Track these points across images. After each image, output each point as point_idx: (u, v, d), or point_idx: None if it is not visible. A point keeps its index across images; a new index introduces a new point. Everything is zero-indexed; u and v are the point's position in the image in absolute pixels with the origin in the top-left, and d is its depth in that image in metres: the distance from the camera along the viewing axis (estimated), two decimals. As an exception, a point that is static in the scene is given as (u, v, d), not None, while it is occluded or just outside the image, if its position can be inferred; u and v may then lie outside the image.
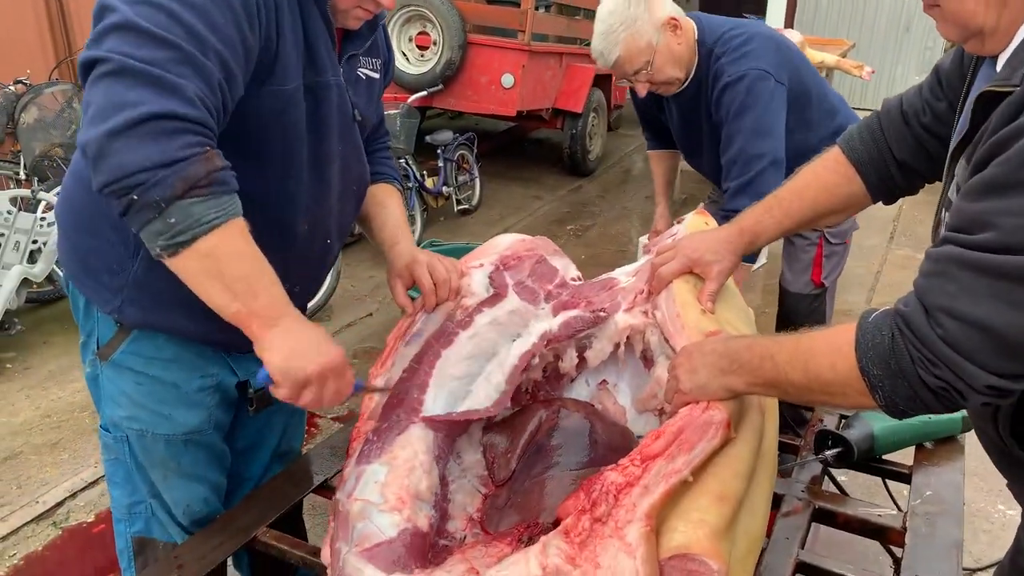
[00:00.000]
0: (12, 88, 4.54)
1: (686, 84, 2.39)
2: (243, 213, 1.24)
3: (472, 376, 1.45)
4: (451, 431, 1.39)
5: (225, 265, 1.11)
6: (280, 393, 1.18)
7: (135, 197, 1.03)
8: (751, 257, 2.40)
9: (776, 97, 2.28)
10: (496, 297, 1.56)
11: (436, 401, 1.39)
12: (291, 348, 1.15)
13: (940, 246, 0.98)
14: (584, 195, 7.09)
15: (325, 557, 1.36)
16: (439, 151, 5.83)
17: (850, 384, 1.03)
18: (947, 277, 0.95)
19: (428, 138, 5.78)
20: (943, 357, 0.94)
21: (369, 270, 5.02)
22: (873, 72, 6.44)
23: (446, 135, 5.83)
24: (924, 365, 0.96)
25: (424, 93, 6.11)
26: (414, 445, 1.34)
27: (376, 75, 1.58)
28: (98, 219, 1.34)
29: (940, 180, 1.28)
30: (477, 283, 1.60)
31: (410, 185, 5.33)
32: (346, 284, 4.73)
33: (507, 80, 6.35)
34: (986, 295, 0.91)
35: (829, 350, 1.06)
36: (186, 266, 1.10)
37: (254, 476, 1.76)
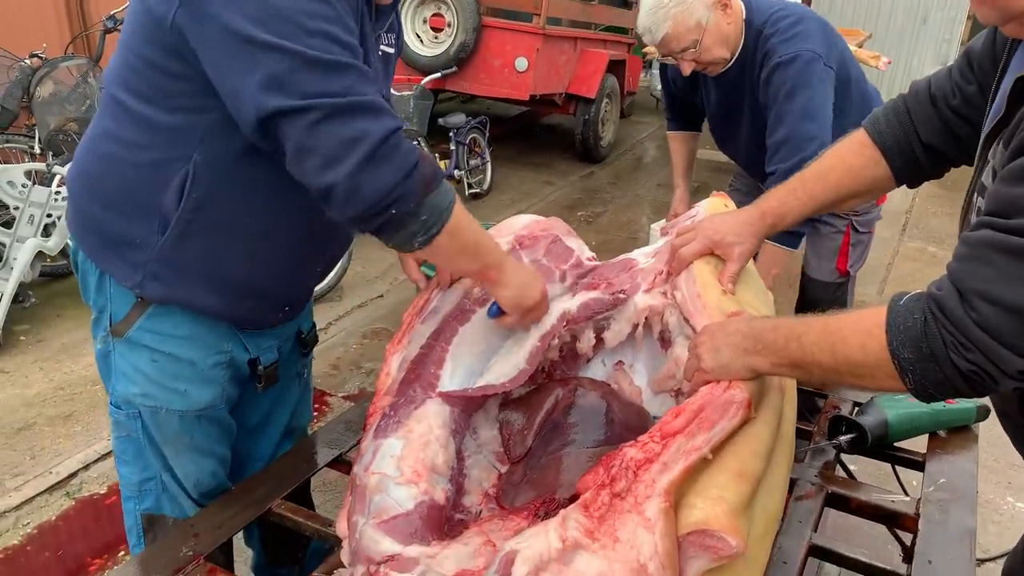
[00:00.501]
0: (28, 62, 4.54)
1: (730, 64, 2.36)
2: (287, 196, 1.33)
3: (489, 352, 1.46)
4: (467, 407, 1.39)
5: (464, 236, 1.29)
6: (508, 320, 1.43)
7: (393, 212, 1.16)
8: (794, 242, 2.40)
9: (826, 80, 2.26)
10: None
11: (453, 377, 1.40)
12: (517, 284, 1.39)
13: (976, 230, 0.97)
14: (595, 181, 7.07)
15: (341, 530, 1.36)
16: (451, 134, 5.82)
17: (879, 367, 1.03)
18: (983, 261, 0.94)
19: (441, 121, 5.77)
20: (976, 341, 0.94)
21: (380, 251, 5.02)
22: (890, 63, 6.38)
23: (459, 118, 5.81)
24: (957, 349, 0.96)
25: (437, 75, 6.10)
26: (430, 420, 1.34)
27: (392, 51, 1.58)
28: (121, 194, 1.34)
29: (967, 164, 1.27)
30: None
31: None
32: (357, 266, 4.74)
33: (521, 64, 6.33)
34: (1023, 279, 0.90)
35: (859, 332, 1.05)
36: (439, 249, 1.25)
37: (264, 454, 1.78)
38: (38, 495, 2.69)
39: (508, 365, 1.43)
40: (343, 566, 1.28)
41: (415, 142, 5.36)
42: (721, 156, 6.53)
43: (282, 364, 1.66)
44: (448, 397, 1.36)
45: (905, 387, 1.03)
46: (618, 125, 7.99)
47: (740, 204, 2.80)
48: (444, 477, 1.28)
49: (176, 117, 1.27)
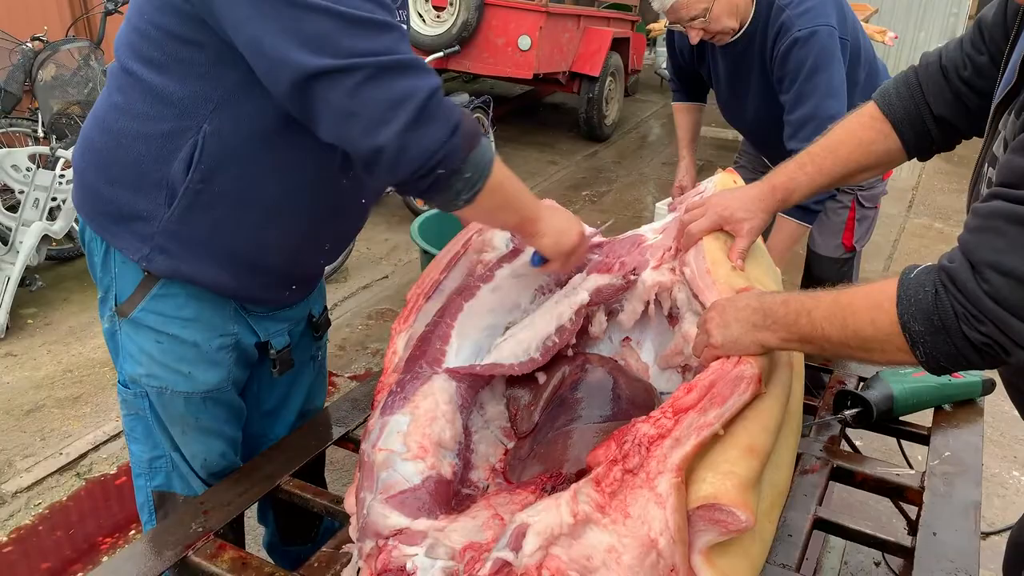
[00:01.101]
0: (29, 45, 4.53)
1: (738, 35, 2.34)
2: (296, 168, 1.33)
3: (495, 328, 1.46)
4: (474, 383, 1.40)
5: (506, 191, 1.29)
6: (552, 267, 1.45)
7: (441, 172, 1.15)
8: (809, 217, 2.38)
9: (842, 55, 2.24)
10: (515, 252, 1.57)
11: (459, 353, 1.40)
12: (556, 230, 1.39)
13: (988, 201, 0.96)
14: (600, 161, 7.04)
15: (349, 506, 1.38)
16: (467, 105, 5.80)
17: (890, 340, 1.03)
18: (995, 232, 0.94)
19: (444, 100, 5.74)
20: (988, 313, 0.93)
21: (384, 233, 5.03)
22: (896, 38, 6.33)
23: (462, 98, 5.78)
24: (968, 321, 0.95)
25: (440, 55, 6.05)
26: (436, 395, 1.35)
27: (404, 27, 1.56)
28: (128, 167, 1.33)
29: (978, 136, 1.26)
30: (498, 239, 1.60)
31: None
32: (362, 247, 4.74)
33: (524, 42, 6.29)
34: None
35: (869, 306, 1.05)
36: (481, 205, 1.24)
37: (279, 436, 1.77)
38: (49, 476, 2.71)
39: (519, 348, 1.42)
40: (352, 541, 1.29)
41: None
42: (726, 134, 6.51)
43: (295, 348, 1.66)
44: (454, 373, 1.37)
45: (916, 360, 1.03)
46: (622, 104, 7.94)
47: (746, 181, 2.79)
48: (451, 452, 1.29)
49: (188, 86, 1.25)
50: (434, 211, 2.61)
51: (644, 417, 1.13)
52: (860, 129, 1.43)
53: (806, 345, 1.17)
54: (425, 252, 2.22)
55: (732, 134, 6.39)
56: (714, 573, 1.05)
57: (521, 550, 1.01)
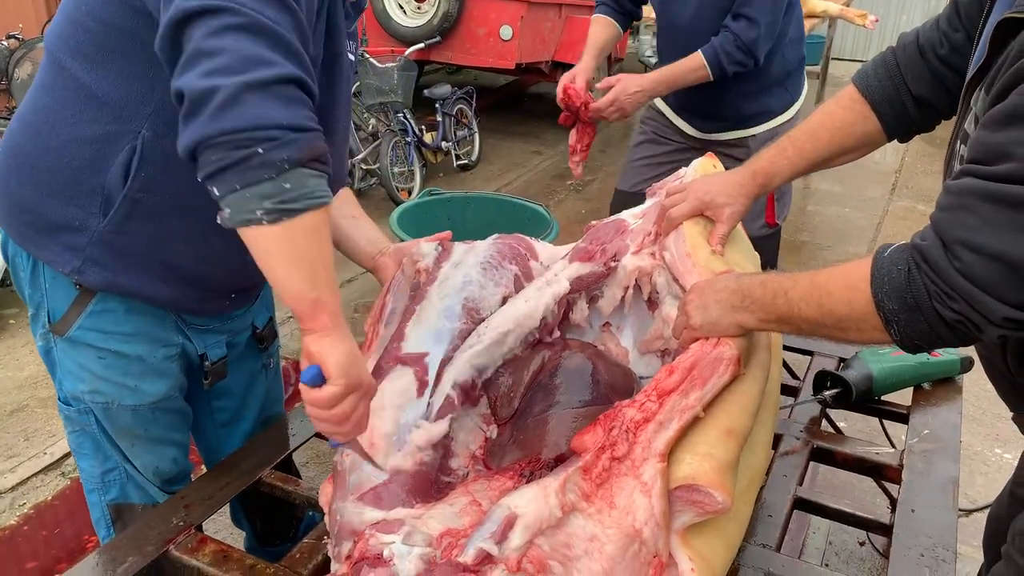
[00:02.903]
0: (5, 43, 4.49)
1: None
2: None
3: (450, 309, 1.45)
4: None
5: (318, 248, 1.03)
6: (327, 392, 1.04)
7: (260, 151, 0.95)
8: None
9: None
10: (446, 252, 1.58)
11: (418, 341, 1.40)
12: (352, 352, 1.06)
13: (959, 178, 0.96)
14: (584, 150, 7.03)
15: (324, 498, 1.37)
16: (437, 105, 5.77)
17: (865, 319, 1.03)
18: (966, 209, 0.94)
19: (426, 92, 5.72)
20: (960, 290, 0.94)
21: (369, 225, 5.01)
22: (877, 21, 6.34)
23: (444, 89, 5.76)
24: (941, 299, 0.96)
25: (421, 46, 6.04)
26: (384, 388, 1.34)
27: (354, 58, 1.48)
28: (58, 173, 1.26)
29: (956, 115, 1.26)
30: (426, 246, 1.60)
31: (408, 140, 5.30)
32: (346, 239, 4.72)
33: (505, 32, 6.27)
34: (1007, 227, 0.90)
35: (845, 285, 1.06)
36: (280, 238, 0.99)
37: (235, 447, 1.70)
38: (33, 476, 2.70)
39: (501, 341, 1.42)
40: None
41: (400, 114, 5.22)
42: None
43: (240, 361, 1.62)
44: (408, 359, 1.37)
45: (891, 339, 1.04)
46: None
47: (652, 154, 2.77)
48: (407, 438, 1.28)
49: (124, 87, 1.19)
50: (413, 202, 2.60)
51: (629, 401, 1.13)
52: (839, 111, 1.43)
53: (784, 325, 1.17)
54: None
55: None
56: (690, 553, 1.05)
57: (506, 542, 1.01)
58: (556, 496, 1.04)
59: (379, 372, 1.38)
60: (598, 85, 2.57)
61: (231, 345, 1.59)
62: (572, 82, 2.47)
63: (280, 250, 1.01)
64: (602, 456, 1.08)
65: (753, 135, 2.63)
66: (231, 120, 0.94)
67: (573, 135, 2.51)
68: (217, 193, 0.98)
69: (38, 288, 1.37)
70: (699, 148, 2.72)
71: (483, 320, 1.47)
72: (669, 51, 2.59)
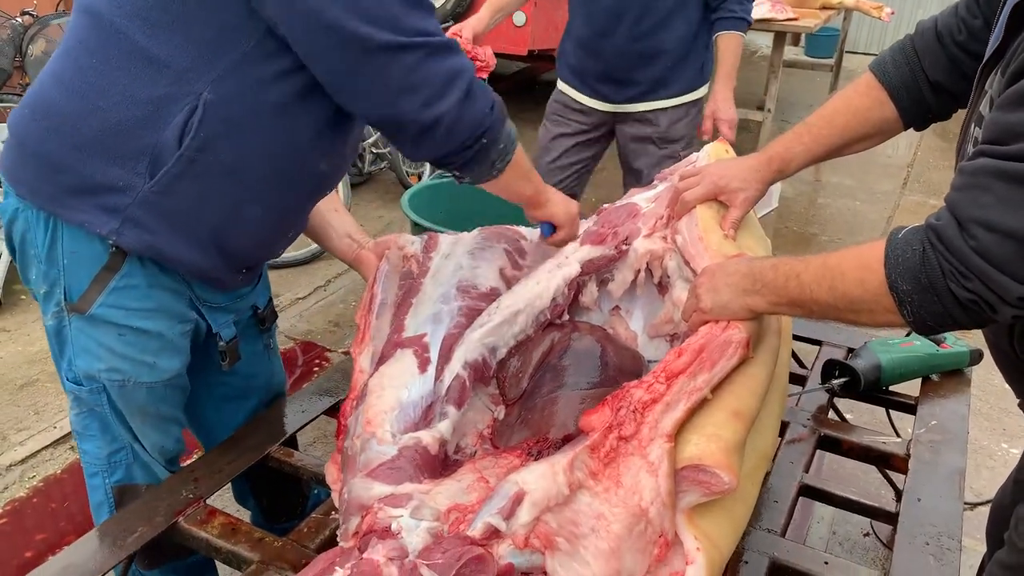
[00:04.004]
0: (19, 20, 4.50)
1: None
2: (294, 147, 1.34)
3: (447, 295, 1.48)
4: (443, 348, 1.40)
5: (524, 161, 1.42)
6: (562, 235, 1.57)
7: (484, 141, 1.27)
8: (743, 25, 2.54)
9: None
10: (433, 242, 1.61)
11: (417, 326, 1.43)
12: (560, 198, 1.55)
13: (974, 159, 0.96)
14: (595, 138, 7.00)
15: (331, 477, 1.38)
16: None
17: (878, 301, 1.03)
18: (981, 189, 0.93)
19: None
20: (975, 269, 0.94)
21: (379, 210, 5.02)
22: (893, 13, 6.29)
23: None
24: (955, 278, 0.96)
25: (434, 29, 6.01)
26: (384, 370, 1.36)
27: None
28: (104, 133, 1.25)
29: None
30: (410, 236, 1.63)
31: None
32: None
33: (519, 18, 6.23)
34: (1021, 205, 0.90)
35: (858, 267, 1.06)
36: (509, 175, 1.37)
37: (239, 424, 1.70)
38: (43, 449, 2.72)
39: (513, 322, 1.43)
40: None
41: None
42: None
43: (244, 341, 1.63)
44: (407, 342, 1.39)
45: (904, 321, 1.03)
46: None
47: (563, 151, 2.84)
48: (410, 415, 1.29)
49: (189, 53, 1.20)
50: (424, 184, 2.60)
51: (637, 382, 1.14)
52: (856, 98, 1.43)
53: (795, 309, 1.17)
54: (416, 224, 2.22)
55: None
56: (696, 533, 1.06)
57: (514, 518, 1.02)
58: (564, 474, 1.04)
59: (382, 361, 1.39)
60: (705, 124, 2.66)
61: (236, 324, 1.60)
62: (459, 33, 2.55)
63: (509, 181, 1.40)
64: (609, 436, 1.08)
65: (663, 108, 2.65)
66: (460, 135, 1.25)
67: None
68: (459, 174, 1.35)
69: (54, 264, 1.35)
70: (608, 126, 2.78)
71: (480, 294, 1.50)
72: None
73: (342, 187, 4.17)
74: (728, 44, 2.56)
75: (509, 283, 1.58)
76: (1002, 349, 1.26)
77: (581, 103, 2.77)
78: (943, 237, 0.96)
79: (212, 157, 1.27)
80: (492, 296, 1.51)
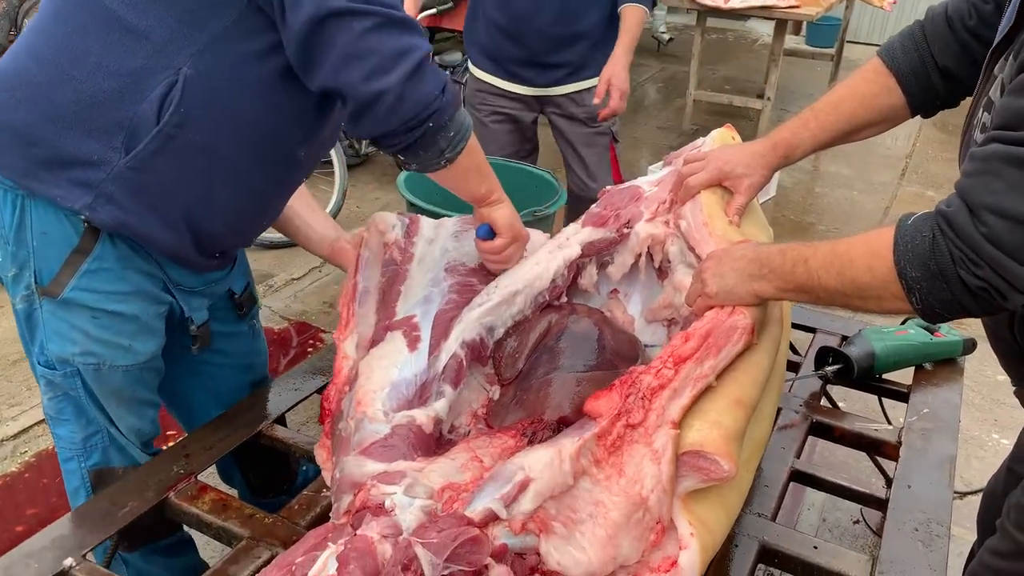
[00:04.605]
0: (14, -8, 4.45)
1: None
2: (272, 127, 1.32)
3: (436, 278, 1.49)
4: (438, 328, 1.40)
5: (478, 155, 1.35)
6: (498, 242, 1.46)
7: (430, 125, 1.21)
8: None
9: None
10: (414, 226, 1.61)
11: (407, 313, 1.43)
12: (512, 213, 1.47)
13: (985, 144, 0.96)
14: (594, 123, 6.98)
15: (320, 459, 1.38)
16: (448, 72, 5.73)
17: (886, 287, 1.03)
18: (992, 175, 0.93)
19: (437, 59, 5.67)
20: (986, 256, 0.93)
21: (375, 192, 5.00)
22: (895, 2, 6.26)
23: (456, 56, 5.71)
24: (965, 265, 0.95)
25: (433, 11, 5.97)
26: (374, 352, 1.36)
27: None
28: (78, 105, 1.22)
29: None
30: (389, 217, 1.61)
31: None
32: (352, 205, 4.71)
33: (519, 1, 6.20)
34: None
35: (866, 253, 1.05)
36: (460, 166, 1.31)
37: (223, 409, 1.66)
38: (35, 425, 2.71)
39: (511, 303, 1.42)
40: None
41: None
42: (720, 99, 6.45)
43: (223, 325, 1.62)
44: (396, 324, 1.39)
45: (911, 308, 1.03)
46: (618, 67, 7.87)
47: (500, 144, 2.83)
48: (401, 393, 1.29)
49: (169, 25, 1.19)
50: None
51: (646, 367, 1.14)
52: (863, 84, 1.42)
53: (802, 294, 1.17)
54: (412, 205, 2.21)
55: (726, 98, 6.35)
56: (691, 518, 1.06)
57: (516, 504, 1.02)
58: (570, 462, 1.04)
59: (372, 346, 1.39)
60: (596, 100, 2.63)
61: (211, 309, 1.58)
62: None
63: (459, 173, 1.33)
64: (617, 423, 1.08)
65: (588, 88, 2.68)
66: (402, 114, 1.18)
67: None
68: (402, 159, 1.29)
69: (24, 246, 1.31)
70: (535, 111, 2.81)
71: (469, 270, 1.51)
72: None
73: (337, 168, 4.15)
74: (632, 15, 2.61)
75: None
76: (1001, 336, 1.26)
77: (504, 89, 2.78)
78: (953, 223, 0.96)
79: (191, 134, 1.25)
80: (480, 271, 1.52)
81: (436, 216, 1.82)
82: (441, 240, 1.59)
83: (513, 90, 2.77)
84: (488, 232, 1.47)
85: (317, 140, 1.42)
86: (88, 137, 1.23)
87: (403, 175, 2.37)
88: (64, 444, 1.49)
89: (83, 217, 1.27)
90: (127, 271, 1.35)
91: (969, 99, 1.37)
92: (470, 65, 2.83)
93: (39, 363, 1.42)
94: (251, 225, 1.51)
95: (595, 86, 2.66)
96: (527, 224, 1.55)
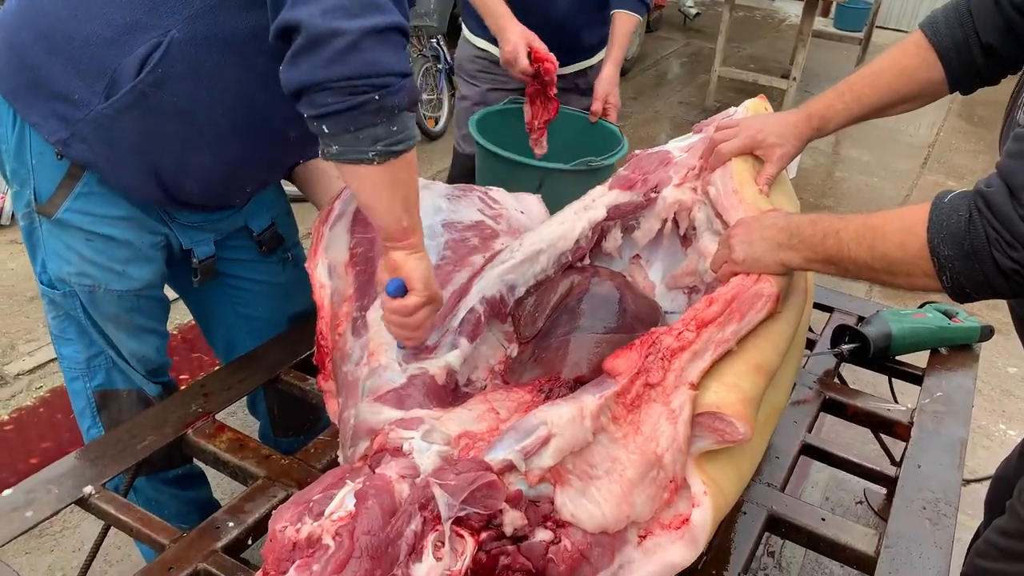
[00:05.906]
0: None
1: None
2: (252, 95, 1.28)
3: (436, 208, 1.49)
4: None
5: (412, 179, 1.17)
6: (410, 301, 1.20)
7: (376, 97, 1.04)
8: (642, 9, 2.45)
9: None
10: None
11: None
12: (431, 269, 1.23)
13: None
14: (615, 95, 6.93)
15: (331, 411, 1.39)
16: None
17: (917, 264, 1.03)
18: None
19: (461, 20, 5.61)
20: (1022, 238, 0.93)
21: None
22: (930, -11, 6.15)
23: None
24: (1000, 246, 0.95)
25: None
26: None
27: None
28: (75, 44, 1.24)
29: None
30: None
31: (440, 67, 5.22)
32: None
33: None
34: None
35: (900, 228, 1.05)
36: (388, 171, 1.11)
37: (257, 343, 1.69)
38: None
39: (534, 261, 1.42)
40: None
41: (433, 39, 5.09)
42: (745, 76, 6.38)
43: (245, 261, 1.62)
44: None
45: (940, 286, 1.03)
46: (643, 40, 7.78)
47: (494, 91, 2.63)
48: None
49: None
50: (496, 108, 2.45)
51: (667, 328, 1.14)
52: (903, 57, 1.40)
53: (829, 266, 1.16)
54: (483, 148, 2.13)
55: (751, 76, 6.29)
56: (704, 478, 1.07)
57: (536, 458, 1.02)
58: (591, 420, 1.04)
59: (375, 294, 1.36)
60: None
61: (224, 245, 1.58)
62: (537, 49, 2.23)
63: (384, 184, 1.12)
64: (636, 381, 1.08)
65: (591, 65, 2.64)
66: (351, 66, 1.01)
67: (531, 110, 2.31)
68: (326, 131, 1.07)
69: (24, 163, 1.34)
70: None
71: (466, 227, 1.51)
72: None
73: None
74: (624, 25, 2.48)
75: (492, 219, 1.59)
76: (1024, 319, 1.26)
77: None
78: (992, 204, 0.95)
79: (167, 96, 1.25)
80: (478, 227, 1.52)
81: (510, 163, 1.76)
82: (432, 196, 1.56)
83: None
84: (399, 288, 1.20)
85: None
86: (75, 75, 1.25)
87: (476, 115, 2.27)
88: (69, 364, 1.53)
89: (57, 152, 1.30)
90: (119, 197, 1.37)
91: (1007, 81, 1.36)
92: (467, 33, 2.70)
93: (42, 281, 1.46)
94: (231, 190, 1.50)
95: (600, 60, 2.59)
96: (579, 174, 1.46)
